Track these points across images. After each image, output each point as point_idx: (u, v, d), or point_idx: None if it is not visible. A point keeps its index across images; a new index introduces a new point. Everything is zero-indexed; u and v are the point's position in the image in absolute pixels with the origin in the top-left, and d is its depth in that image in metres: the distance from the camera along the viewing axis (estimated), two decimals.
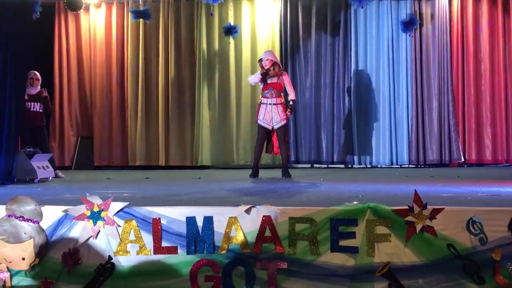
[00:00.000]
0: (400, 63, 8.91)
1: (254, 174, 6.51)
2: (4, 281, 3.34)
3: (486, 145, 8.73)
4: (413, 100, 8.82)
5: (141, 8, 8.81)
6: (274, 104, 6.27)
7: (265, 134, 6.39)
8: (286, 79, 6.46)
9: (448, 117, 8.74)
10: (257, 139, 6.54)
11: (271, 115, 6.25)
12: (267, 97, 6.30)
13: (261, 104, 6.36)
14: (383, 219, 3.26)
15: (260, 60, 6.47)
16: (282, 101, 6.38)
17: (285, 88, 6.46)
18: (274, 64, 6.29)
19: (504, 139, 8.67)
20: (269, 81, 6.31)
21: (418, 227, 3.20)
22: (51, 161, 6.90)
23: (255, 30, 9.19)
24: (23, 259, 3.31)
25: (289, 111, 6.42)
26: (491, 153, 8.71)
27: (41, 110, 7.17)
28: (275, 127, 6.28)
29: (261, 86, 6.43)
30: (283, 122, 6.30)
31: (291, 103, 6.42)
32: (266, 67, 6.25)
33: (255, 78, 6.43)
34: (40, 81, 7.18)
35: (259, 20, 9.18)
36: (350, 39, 8.95)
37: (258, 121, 6.38)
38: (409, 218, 3.21)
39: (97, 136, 9.35)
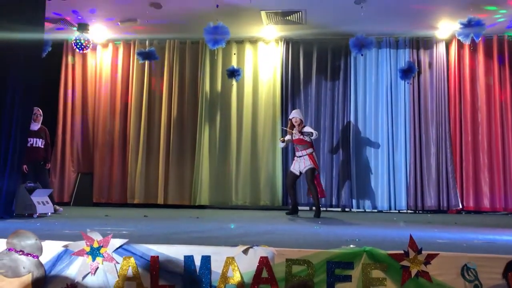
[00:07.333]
0: (399, 109, 9.06)
1: (292, 212, 7.36)
2: None
3: (484, 193, 8.74)
4: (411, 146, 8.92)
5: (147, 49, 9.04)
6: (300, 156, 7.19)
7: (292, 179, 7.30)
8: (307, 128, 7.23)
9: (446, 163, 8.82)
10: (286, 183, 7.62)
11: (299, 165, 7.18)
12: (297, 151, 7.27)
13: (295, 157, 7.36)
14: (379, 263, 3.29)
15: (290, 119, 7.39)
16: (308, 152, 7.15)
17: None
18: (301, 121, 7.26)
19: (502, 188, 8.67)
20: (294, 138, 7.24)
21: (413, 271, 3.23)
22: (50, 196, 6.95)
23: (257, 73, 9.40)
24: None
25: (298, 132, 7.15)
26: (489, 200, 8.71)
27: (42, 146, 7.28)
28: (303, 171, 7.13)
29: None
30: (310, 166, 7.05)
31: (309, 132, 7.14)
32: (296, 123, 7.23)
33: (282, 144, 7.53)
34: (42, 117, 7.32)
35: (261, 63, 9.41)
36: (350, 85, 9.15)
37: (290, 169, 7.44)
38: (404, 263, 3.25)
39: (97, 173, 9.41)
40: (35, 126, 7.16)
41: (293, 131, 7.23)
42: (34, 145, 7.15)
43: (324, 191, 7.62)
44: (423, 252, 3.26)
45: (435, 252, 3.29)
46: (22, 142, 6.04)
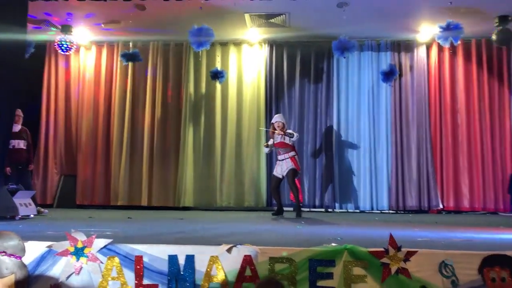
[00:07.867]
0: (380, 111, 9.20)
1: (277, 213, 7.46)
2: None
3: (464, 193, 8.92)
4: (393, 148, 9.06)
5: (131, 51, 9.03)
6: (282, 159, 7.32)
7: (275, 182, 7.44)
8: (288, 130, 7.42)
9: (426, 164, 8.97)
10: (271, 186, 7.78)
11: (281, 168, 7.32)
12: (279, 155, 7.39)
13: (277, 161, 7.48)
14: (360, 260, 3.36)
15: (272, 123, 7.51)
16: (290, 155, 7.28)
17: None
18: (283, 125, 7.41)
19: (480, 188, 8.86)
20: (276, 141, 7.36)
21: (393, 268, 3.30)
22: (32, 198, 6.91)
23: (242, 75, 9.46)
24: None
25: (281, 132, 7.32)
26: (468, 201, 8.89)
27: (24, 147, 7.25)
28: (284, 174, 7.26)
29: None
30: (291, 167, 7.20)
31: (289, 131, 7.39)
32: (278, 128, 7.37)
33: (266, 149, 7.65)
34: (22, 118, 7.29)
35: (246, 65, 9.47)
36: (332, 87, 9.26)
37: (273, 173, 7.55)
38: (384, 260, 3.32)
39: (81, 174, 9.37)
40: (16, 128, 7.13)
41: (276, 131, 7.33)
42: (16, 146, 7.13)
43: (301, 195, 7.72)
44: (402, 249, 3.34)
45: (414, 249, 3.37)
46: (5, 144, 5.99)
